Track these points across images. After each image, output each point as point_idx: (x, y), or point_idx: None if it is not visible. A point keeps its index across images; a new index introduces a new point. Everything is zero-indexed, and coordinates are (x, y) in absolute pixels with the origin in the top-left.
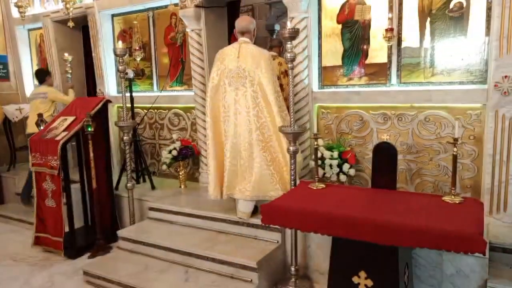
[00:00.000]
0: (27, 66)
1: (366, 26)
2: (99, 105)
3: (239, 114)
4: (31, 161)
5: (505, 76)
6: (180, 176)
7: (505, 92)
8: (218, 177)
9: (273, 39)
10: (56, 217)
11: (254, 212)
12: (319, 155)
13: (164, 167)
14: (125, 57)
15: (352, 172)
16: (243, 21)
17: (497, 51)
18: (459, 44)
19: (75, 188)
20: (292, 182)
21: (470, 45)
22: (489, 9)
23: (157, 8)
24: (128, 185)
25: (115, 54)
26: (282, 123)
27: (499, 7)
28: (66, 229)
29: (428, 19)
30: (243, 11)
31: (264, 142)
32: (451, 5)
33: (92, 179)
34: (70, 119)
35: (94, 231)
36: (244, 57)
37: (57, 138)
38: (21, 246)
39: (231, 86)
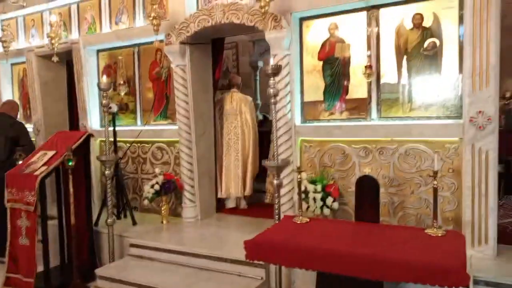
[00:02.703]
0: None
1: (346, 63)
2: (81, 139)
3: (232, 138)
4: (6, 197)
5: (479, 112)
6: (163, 211)
7: (480, 127)
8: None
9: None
10: (29, 256)
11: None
12: (302, 188)
13: (146, 202)
14: (109, 91)
15: (335, 205)
16: (234, 78)
17: (470, 88)
18: (434, 81)
19: (52, 224)
20: (276, 216)
21: (444, 81)
22: (461, 48)
23: (142, 44)
24: (108, 220)
25: (99, 89)
26: (254, 143)
27: (470, 47)
28: (41, 268)
29: (405, 57)
30: (228, 47)
31: (243, 157)
32: (425, 44)
33: (71, 215)
34: (51, 153)
35: (70, 270)
36: (235, 101)
37: (36, 173)
38: None
39: (227, 120)
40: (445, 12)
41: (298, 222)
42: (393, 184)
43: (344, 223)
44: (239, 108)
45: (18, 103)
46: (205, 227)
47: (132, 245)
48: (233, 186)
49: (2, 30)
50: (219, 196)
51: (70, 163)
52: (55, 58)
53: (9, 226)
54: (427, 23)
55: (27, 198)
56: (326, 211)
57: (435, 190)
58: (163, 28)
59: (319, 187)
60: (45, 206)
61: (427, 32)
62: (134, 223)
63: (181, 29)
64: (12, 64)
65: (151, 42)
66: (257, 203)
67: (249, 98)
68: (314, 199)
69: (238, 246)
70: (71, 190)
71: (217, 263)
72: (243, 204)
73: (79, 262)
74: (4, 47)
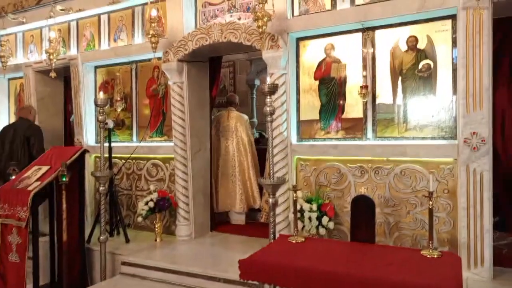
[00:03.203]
0: (4, 115)
1: (342, 83)
2: (76, 155)
3: (228, 154)
4: None
5: (473, 133)
6: (156, 229)
7: (474, 148)
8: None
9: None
10: (18, 273)
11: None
12: (298, 207)
13: (140, 219)
14: (106, 107)
15: (331, 225)
16: (231, 97)
17: (464, 109)
18: (429, 102)
19: (44, 241)
20: (271, 235)
21: (439, 102)
22: (454, 70)
23: (140, 61)
24: (101, 238)
25: (96, 105)
26: (252, 160)
27: (464, 69)
28: (30, 286)
29: (400, 78)
30: (225, 66)
31: (241, 174)
32: (420, 66)
33: (63, 232)
34: (45, 168)
35: None
36: (231, 119)
37: (29, 188)
38: None
39: (223, 137)
40: (438, 35)
41: (294, 241)
42: (389, 204)
43: (340, 243)
44: (235, 126)
45: (14, 118)
46: (199, 245)
47: (124, 263)
48: (230, 202)
49: (1, 45)
50: (215, 211)
51: (64, 179)
52: (53, 74)
53: None
54: (421, 45)
55: (19, 213)
56: (322, 230)
57: (431, 211)
58: (161, 46)
59: (314, 206)
60: (37, 222)
61: (421, 54)
62: (127, 240)
63: (179, 47)
64: (9, 79)
65: (149, 59)
66: (252, 222)
67: (245, 117)
68: (310, 218)
69: (232, 265)
70: (64, 206)
71: (210, 282)
72: (239, 219)
73: (70, 280)
74: (2, 62)
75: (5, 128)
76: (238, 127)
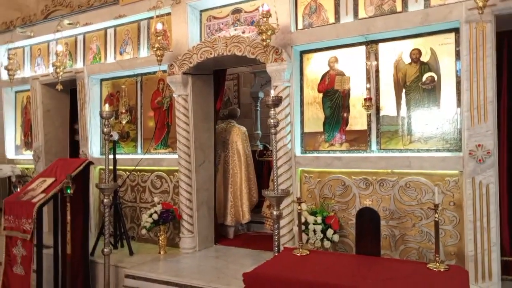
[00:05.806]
0: (10, 127)
1: (345, 95)
2: (81, 167)
3: (226, 165)
4: (3, 224)
5: (479, 145)
6: (160, 241)
7: (480, 160)
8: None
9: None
10: (23, 285)
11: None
12: (302, 220)
13: (144, 231)
14: (111, 119)
15: (336, 238)
16: (232, 111)
17: (469, 121)
18: (433, 114)
19: (47, 253)
20: (276, 248)
21: (443, 115)
22: (458, 83)
23: (145, 74)
24: (105, 250)
25: (101, 117)
26: (246, 173)
27: (467, 82)
28: None
29: (404, 90)
30: (229, 78)
31: (234, 185)
32: (424, 78)
33: (67, 244)
34: (50, 180)
35: None
36: (230, 131)
37: (34, 200)
38: None
39: (221, 148)
40: (442, 48)
41: (298, 254)
42: (394, 216)
43: (345, 256)
44: (232, 138)
45: (20, 130)
46: (202, 258)
47: (128, 276)
48: (228, 214)
49: (9, 58)
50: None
51: (68, 191)
52: (59, 87)
53: (4, 254)
54: (424, 58)
55: (24, 226)
56: (327, 243)
57: (437, 224)
58: (166, 59)
59: (319, 219)
60: (41, 234)
61: (425, 67)
62: (131, 253)
63: (184, 60)
64: (16, 92)
65: (154, 72)
66: (257, 235)
67: (243, 129)
68: (314, 231)
69: (237, 279)
70: (69, 218)
71: None
72: (230, 232)
73: None
74: (9, 75)
75: None
76: (235, 139)
